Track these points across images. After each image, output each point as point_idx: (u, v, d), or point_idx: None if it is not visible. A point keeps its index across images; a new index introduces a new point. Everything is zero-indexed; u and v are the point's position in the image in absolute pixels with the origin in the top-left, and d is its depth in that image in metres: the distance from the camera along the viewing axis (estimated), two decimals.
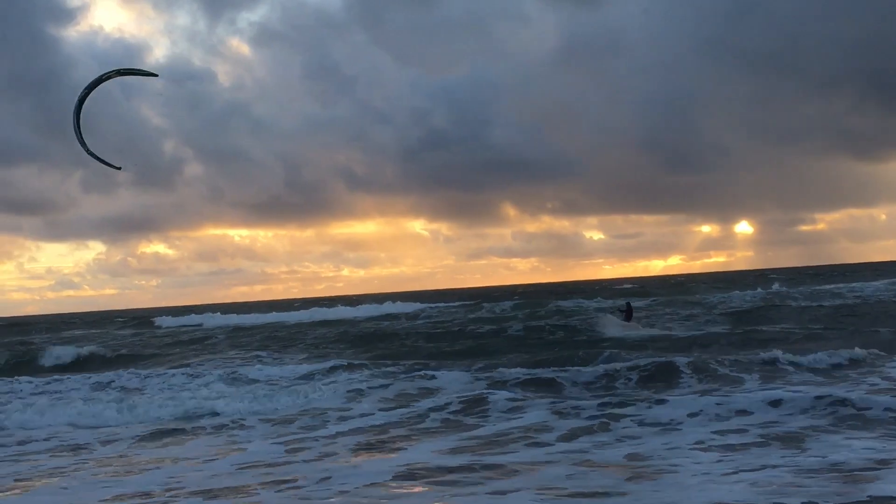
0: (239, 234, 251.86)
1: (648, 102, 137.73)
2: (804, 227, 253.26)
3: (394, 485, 11.60)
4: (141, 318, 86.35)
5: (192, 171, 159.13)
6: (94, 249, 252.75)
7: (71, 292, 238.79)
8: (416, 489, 11.34)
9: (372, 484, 11.65)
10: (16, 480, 13.77)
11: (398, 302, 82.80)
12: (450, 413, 17.82)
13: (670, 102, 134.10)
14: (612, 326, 36.30)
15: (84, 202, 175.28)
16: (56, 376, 30.23)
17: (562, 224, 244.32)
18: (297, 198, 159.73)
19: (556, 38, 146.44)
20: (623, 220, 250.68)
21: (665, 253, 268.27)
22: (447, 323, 48.98)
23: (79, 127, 13.35)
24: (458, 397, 19.20)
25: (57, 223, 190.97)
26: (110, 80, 13.55)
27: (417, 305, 76.24)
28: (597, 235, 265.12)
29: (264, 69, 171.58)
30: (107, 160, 13.56)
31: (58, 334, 66.16)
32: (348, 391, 21.66)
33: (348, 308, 75.58)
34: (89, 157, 13.36)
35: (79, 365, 37.02)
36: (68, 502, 11.92)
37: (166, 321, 73.72)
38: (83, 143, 13.41)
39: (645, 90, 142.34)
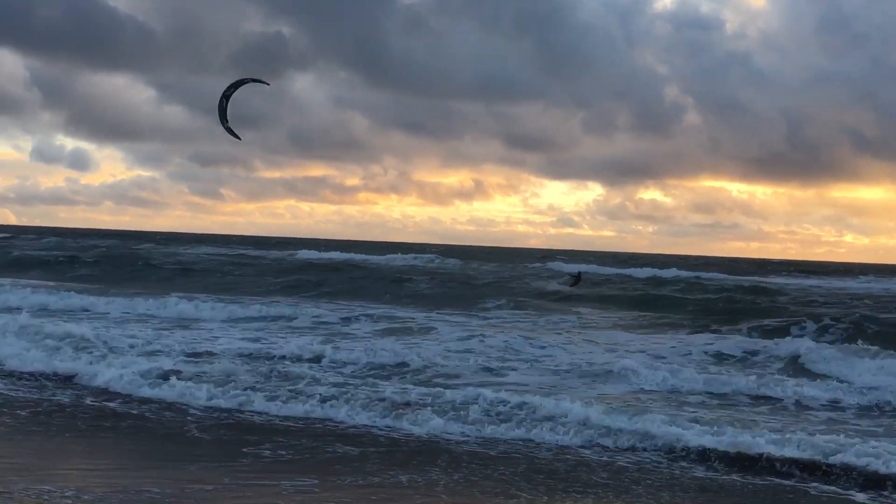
0: (737, 189, 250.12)
1: None
2: None
3: None
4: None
5: (691, 120, 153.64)
6: (594, 191, 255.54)
7: (570, 230, 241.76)
8: None
9: None
10: None
11: None
12: None
13: None
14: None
15: (584, 143, 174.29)
16: None
17: None
18: (798, 155, 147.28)
19: None
20: None
21: None
22: None
23: (225, 115, 18.02)
24: None
25: (558, 162, 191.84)
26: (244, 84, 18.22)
27: None
28: None
29: (773, 19, 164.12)
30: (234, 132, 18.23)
31: None
32: None
33: None
34: (229, 133, 18.18)
35: None
36: None
37: None
38: (224, 121, 18.08)
39: None
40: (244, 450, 12.11)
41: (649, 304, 36.94)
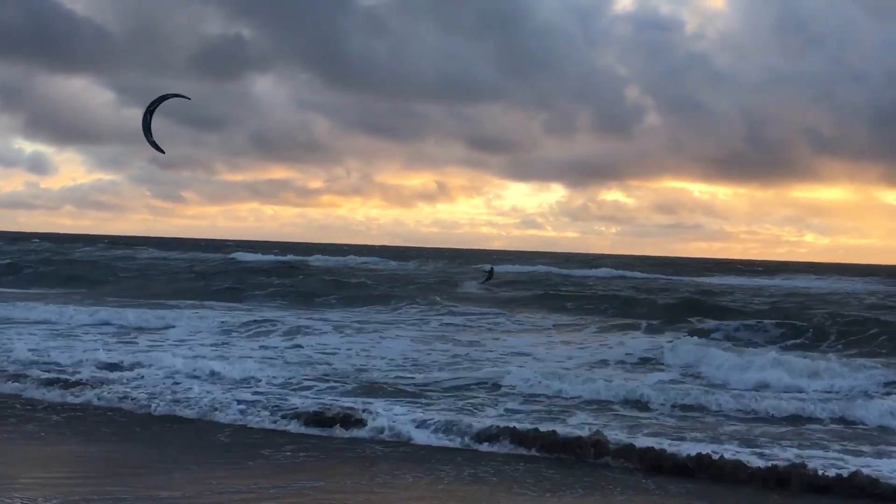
0: (698, 189, 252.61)
1: None
2: None
3: None
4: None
5: (652, 121, 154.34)
6: (556, 192, 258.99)
7: (534, 231, 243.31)
8: None
9: None
10: None
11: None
12: None
13: None
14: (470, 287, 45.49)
15: (546, 144, 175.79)
16: None
17: None
18: (758, 156, 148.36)
19: None
20: None
21: None
22: None
23: (149, 129, 18.92)
24: None
25: (521, 163, 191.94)
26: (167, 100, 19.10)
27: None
28: None
29: (731, 20, 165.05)
30: (158, 146, 19.12)
31: None
32: None
33: None
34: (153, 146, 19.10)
35: None
36: None
37: None
38: (148, 136, 18.95)
39: None
40: (263, 451, 11.63)
41: (560, 303, 36.48)
